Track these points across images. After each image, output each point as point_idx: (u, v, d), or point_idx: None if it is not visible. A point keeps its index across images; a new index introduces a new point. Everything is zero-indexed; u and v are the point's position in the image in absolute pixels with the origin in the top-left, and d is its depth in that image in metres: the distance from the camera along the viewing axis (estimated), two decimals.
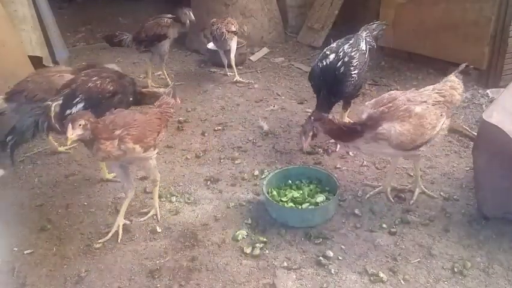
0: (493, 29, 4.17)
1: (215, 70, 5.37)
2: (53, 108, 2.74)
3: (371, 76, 4.98)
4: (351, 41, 3.45)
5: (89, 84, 2.95)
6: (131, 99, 3.20)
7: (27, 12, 5.14)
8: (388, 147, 2.52)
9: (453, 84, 2.73)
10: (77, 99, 2.88)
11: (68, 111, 2.80)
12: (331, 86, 3.26)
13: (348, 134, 2.57)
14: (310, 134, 2.63)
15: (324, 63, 3.33)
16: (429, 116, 2.53)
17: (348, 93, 3.35)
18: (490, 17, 4.14)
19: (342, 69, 3.26)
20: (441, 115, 2.59)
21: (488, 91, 4.32)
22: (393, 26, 5.17)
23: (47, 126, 2.73)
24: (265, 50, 5.94)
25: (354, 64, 3.29)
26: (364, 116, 2.60)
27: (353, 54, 3.33)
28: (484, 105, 4.12)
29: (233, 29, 4.79)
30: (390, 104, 2.56)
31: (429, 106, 2.56)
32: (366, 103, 2.73)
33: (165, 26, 4.63)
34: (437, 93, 2.66)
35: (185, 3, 6.56)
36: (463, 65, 2.87)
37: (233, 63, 4.94)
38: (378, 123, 2.49)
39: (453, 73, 2.82)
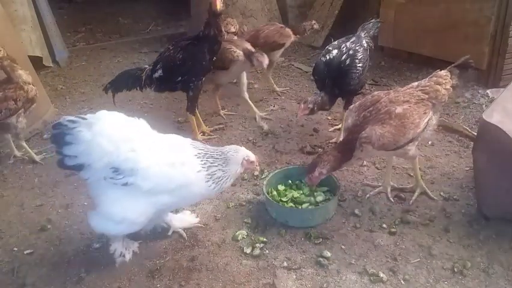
0: (493, 29, 4.17)
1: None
2: (145, 72, 3.54)
3: (371, 76, 4.98)
4: (352, 39, 3.47)
5: (166, 54, 3.54)
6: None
7: (27, 12, 5.15)
8: (374, 150, 2.54)
9: (438, 79, 2.71)
10: (158, 66, 3.51)
11: (154, 75, 3.51)
12: (336, 79, 3.26)
13: (346, 153, 2.58)
14: (310, 106, 2.66)
15: (328, 58, 3.35)
16: (410, 115, 2.53)
17: (353, 86, 3.34)
18: (490, 16, 4.14)
19: (347, 61, 3.29)
20: (424, 113, 2.59)
21: (488, 91, 4.33)
22: (393, 26, 5.18)
23: (141, 83, 3.55)
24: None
25: (359, 57, 3.33)
26: (350, 123, 2.65)
27: (357, 48, 3.38)
28: (484, 105, 4.12)
29: (232, 29, 4.79)
30: (371, 108, 2.60)
31: (411, 105, 2.56)
32: (350, 107, 2.75)
33: (286, 36, 4.35)
34: (420, 90, 2.66)
35: (185, 4, 6.58)
36: (463, 58, 2.82)
37: None
38: (363, 129, 2.52)
39: (450, 66, 2.80)
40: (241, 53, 3.69)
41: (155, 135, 2.37)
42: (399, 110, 2.53)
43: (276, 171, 3.01)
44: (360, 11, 6.05)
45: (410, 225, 2.66)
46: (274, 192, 2.90)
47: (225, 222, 2.77)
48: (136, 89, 3.63)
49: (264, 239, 2.59)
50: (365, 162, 3.34)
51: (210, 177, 2.28)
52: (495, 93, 4.18)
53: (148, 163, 2.17)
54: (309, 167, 2.64)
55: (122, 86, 3.60)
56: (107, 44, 6.58)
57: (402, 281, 2.29)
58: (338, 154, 2.57)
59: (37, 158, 3.51)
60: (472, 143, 3.26)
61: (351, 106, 2.76)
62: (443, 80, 2.70)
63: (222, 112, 4.23)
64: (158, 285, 2.33)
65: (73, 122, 2.15)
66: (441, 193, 2.94)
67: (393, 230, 2.62)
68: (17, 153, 3.56)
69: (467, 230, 2.62)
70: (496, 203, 2.61)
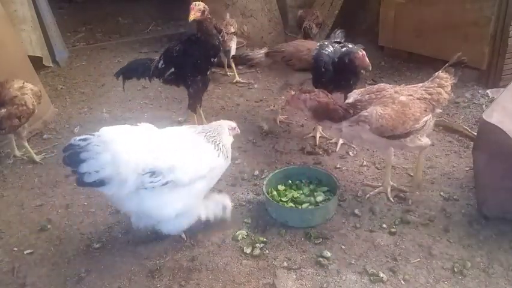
0: (493, 29, 4.18)
1: (215, 70, 5.36)
2: (154, 62, 3.65)
3: (370, 76, 4.98)
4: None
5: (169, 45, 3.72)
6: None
7: (27, 12, 5.15)
8: (368, 131, 2.56)
9: (441, 81, 2.73)
10: (161, 60, 3.60)
11: (159, 65, 3.60)
12: (343, 68, 3.17)
13: (337, 112, 2.61)
14: (302, 97, 2.66)
15: (330, 50, 3.31)
16: (413, 106, 2.58)
17: (356, 79, 3.30)
18: (489, 17, 4.14)
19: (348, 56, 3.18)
20: (425, 110, 2.62)
21: (488, 91, 4.33)
22: (393, 26, 5.18)
23: (150, 73, 3.65)
24: (265, 50, 5.93)
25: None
26: (352, 100, 2.68)
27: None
28: (484, 105, 4.12)
29: (232, 30, 4.80)
30: (377, 93, 2.66)
31: (414, 98, 2.62)
32: (355, 90, 2.80)
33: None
34: (424, 90, 2.70)
35: (185, 4, 6.58)
36: (455, 57, 2.82)
37: (233, 64, 4.94)
38: (365, 107, 2.58)
39: (444, 66, 2.81)
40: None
41: (165, 132, 2.46)
42: (403, 98, 2.59)
43: (276, 171, 3.01)
44: (360, 11, 6.06)
45: (410, 225, 2.67)
46: (274, 192, 2.90)
47: (225, 222, 2.77)
48: (145, 79, 3.75)
49: (264, 239, 2.59)
50: (364, 162, 3.34)
51: (219, 151, 2.46)
52: (495, 93, 4.18)
53: (182, 158, 2.30)
54: (302, 89, 2.72)
55: (132, 74, 3.73)
56: (107, 44, 6.57)
57: (402, 281, 2.29)
58: (330, 104, 2.60)
59: (37, 158, 3.51)
60: (472, 143, 3.27)
61: (356, 90, 2.81)
62: (445, 82, 2.72)
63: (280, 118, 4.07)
64: (158, 285, 2.33)
65: (84, 140, 2.17)
66: (442, 193, 2.94)
67: (393, 230, 2.62)
68: (17, 153, 3.56)
69: (467, 230, 2.62)
70: (496, 203, 2.61)
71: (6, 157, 3.59)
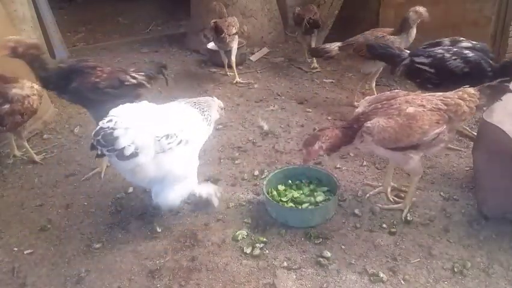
0: (493, 29, 4.18)
1: (215, 70, 5.38)
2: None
3: None
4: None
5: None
6: None
7: (27, 12, 5.14)
8: (372, 143, 2.47)
9: (463, 94, 2.50)
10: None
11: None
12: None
13: (348, 136, 2.52)
14: (316, 147, 2.51)
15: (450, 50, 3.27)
16: (420, 119, 2.40)
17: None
18: (490, 17, 4.14)
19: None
20: (437, 122, 2.43)
21: None
22: (393, 26, 5.17)
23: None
24: (265, 50, 5.94)
25: None
26: (359, 111, 2.61)
27: None
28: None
29: (234, 30, 4.80)
30: (384, 102, 2.54)
31: (425, 110, 2.43)
32: (366, 97, 2.74)
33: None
34: (440, 100, 2.49)
35: (185, 4, 6.58)
36: (498, 80, 2.55)
37: (233, 64, 4.95)
38: (368, 118, 2.48)
39: (482, 86, 2.54)
40: (394, 41, 3.78)
41: (163, 106, 2.75)
42: (410, 109, 2.43)
43: (276, 171, 3.01)
44: (360, 11, 6.06)
45: (410, 225, 2.67)
46: (274, 192, 2.90)
47: (224, 222, 2.77)
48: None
49: (264, 239, 2.59)
50: (364, 162, 3.35)
51: (207, 120, 2.80)
52: None
53: (187, 120, 2.66)
54: (309, 140, 2.55)
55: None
56: (107, 44, 6.58)
57: (402, 281, 2.29)
58: (339, 134, 2.51)
59: (37, 158, 3.52)
60: (472, 143, 3.27)
61: (367, 97, 2.73)
62: (469, 97, 2.48)
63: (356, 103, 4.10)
64: (158, 285, 2.33)
65: (110, 121, 2.37)
66: (442, 193, 2.94)
67: (393, 230, 2.62)
68: (17, 152, 3.57)
69: (467, 230, 2.62)
70: (496, 203, 2.61)
71: (6, 157, 3.59)
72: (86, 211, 2.93)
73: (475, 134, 3.31)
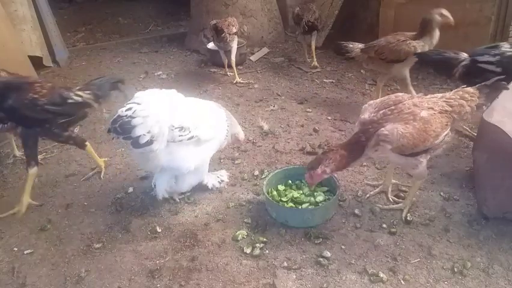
0: (493, 29, 4.18)
1: (215, 70, 5.38)
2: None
3: (371, 76, 4.99)
4: None
5: None
6: None
7: (27, 12, 5.15)
8: (389, 151, 2.40)
9: (464, 94, 2.49)
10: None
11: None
12: None
13: (355, 151, 2.44)
14: (319, 172, 2.47)
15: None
16: (434, 122, 2.38)
17: None
18: (490, 17, 4.15)
19: None
20: (446, 124, 2.43)
21: None
22: (393, 26, 5.17)
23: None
24: (265, 50, 5.94)
25: None
26: (367, 118, 2.49)
27: None
28: (483, 105, 4.12)
29: (234, 30, 4.80)
30: (393, 107, 2.44)
31: (435, 113, 2.41)
32: (370, 102, 2.60)
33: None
34: (445, 101, 2.47)
35: (185, 4, 6.58)
36: (495, 78, 2.57)
37: (233, 64, 4.95)
38: (381, 126, 2.38)
39: (480, 84, 2.56)
40: (416, 44, 3.70)
41: (189, 99, 2.83)
42: (424, 113, 2.38)
43: (276, 171, 3.01)
44: (360, 11, 6.06)
45: (410, 225, 2.67)
46: (274, 192, 2.90)
47: (224, 223, 2.77)
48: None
49: (264, 239, 2.59)
50: (365, 162, 3.34)
51: (227, 129, 2.92)
52: None
53: (205, 116, 2.73)
54: (312, 163, 2.51)
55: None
56: (107, 44, 6.58)
57: (402, 281, 2.29)
58: (345, 153, 2.42)
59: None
60: (472, 143, 3.27)
61: (371, 101, 2.62)
62: (470, 96, 2.48)
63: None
64: (158, 285, 2.33)
65: (129, 109, 2.44)
66: (442, 193, 2.94)
67: (393, 230, 2.62)
68: (17, 153, 3.57)
69: (467, 230, 2.62)
70: (496, 203, 2.61)
71: (6, 157, 3.59)
72: (86, 211, 2.93)
73: (475, 134, 3.31)
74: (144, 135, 2.44)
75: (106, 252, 2.56)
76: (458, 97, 2.47)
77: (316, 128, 3.89)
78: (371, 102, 2.61)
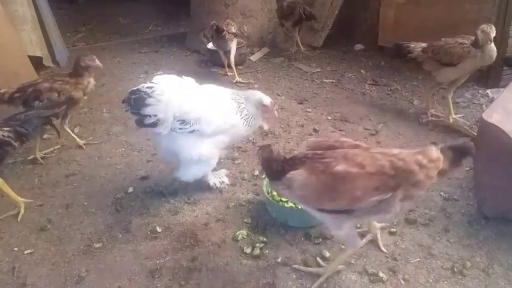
0: None
1: (215, 70, 5.38)
2: None
3: (371, 76, 4.99)
4: None
5: None
6: None
7: (28, 12, 5.15)
8: (298, 198, 2.12)
9: (422, 159, 1.97)
10: None
11: None
12: None
13: (275, 170, 2.14)
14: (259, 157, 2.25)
15: None
16: (350, 181, 1.94)
17: None
18: (489, 17, 4.15)
19: None
20: (375, 189, 1.94)
21: (488, 91, 4.33)
22: (393, 26, 5.18)
23: None
24: (265, 50, 5.95)
25: None
26: (298, 151, 2.24)
27: None
28: (484, 105, 4.13)
29: (233, 30, 4.81)
30: (322, 152, 2.09)
31: (360, 173, 1.94)
32: (311, 139, 2.31)
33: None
34: (390, 161, 1.96)
35: (185, 4, 6.59)
36: (463, 141, 2.25)
37: (233, 64, 4.95)
38: (295, 167, 2.07)
39: (445, 145, 2.09)
40: (473, 50, 3.45)
41: (203, 88, 2.86)
42: (339, 168, 1.96)
43: None
44: (360, 11, 6.06)
45: (410, 225, 2.66)
46: (274, 192, 2.90)
47: (224, 222, 2.77)
48: None
49: (264, 239, 2.59)
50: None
51: (242, 116, 2.77)
52: (495, 93, 4.18)
53: (208, 112, 2.68)
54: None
55: None
56: (107, 44, 6.58)
57: (402, 281, 2.29)
58: (273, 162, 2.15)
59: (81, 142, 3.67)
60: (472, 142, 3.27)
61: (311, 139, 2.30)
62: (429, 163, 1.97)
63: (452, 117, 3.83)
64: (159, 285, 2.33)
65: (150, 87, 2.57)
66: (442, 193, 2.94)
67: (393, 230, 2.62)
68: (38, 155, 3.52)
69: (467, 229, 2.62)
70: (496, 203, 2.61)
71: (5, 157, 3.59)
72: (86, 211, 2.93)
73: (475, 134, 3.31)
74: (150, 116, 2.55)
75: (106, 252, 2.56)
76: (413, 161, 1.97)
77: (316, 128, 3.89)
78: (311, 139, 2.31)
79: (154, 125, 2.59)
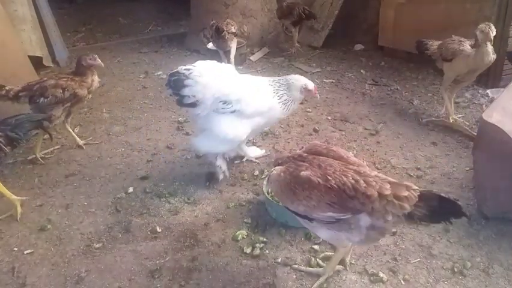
0: None
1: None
2: None
3: (371, 76, 4.99)
4: None
5: None
6: None
7: (27, 12, 5.15)
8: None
9: (385, 191, 1.85)
10: None
11: None
12: None
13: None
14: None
15: None
16: (308, 190, 1.96)
17: None
18: (489, 17, 4.14)
19: None
20: (330, 205, 1.91)
21: (488, 91, 4.33)
22: (393, 25, 5.18)
23: None
24: (265, 50, 5.94)
25: None
26: (300, 151, 2.30)
27: None
28: (484, 105, 4.13)
29: (233, 30, 4.80)
30: (309, 156, 2.13)
31: (321, 184, 1.94)
32: (313, 142, 2.34)
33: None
34: (356, 181, 1.91)
35: (185, 4, 6.58)
36: (452, 197, 1.93)
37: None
38: (282, 164, 2.17)
39: (431, 193, 1.91)
40: (467, 48, 3.46)
41: (241, 76, 3.08)
42: (303, 173, 2.00)
43: None
44: (360, 11, 6.06)
45: (410, 225, 2.66)
46: None
47: (224, 223, 2.77)
48: None
49: (264, 239, 2.59)
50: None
51: (280, 100, 2.90)
52: (495, 93, 4.18)
53: (248, 94, 2.86)
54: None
55: None
56: (107, 44, 6.58)
57: (402, 281, 2.29)
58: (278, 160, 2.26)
59: (81, 142, 3.67)
60: (472, 143, 3.27)
61: (314, 142, 2.34)
62: (394, 198, 1.85)
63: (452, 117, 3.83)
64: (158, 285, 2.33)
65: (188, 69, 2.81)
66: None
67: (393, 230, 2.62)
68: (38, 155, 3.51)
69: (467, 230, 2.62)
70: (496, 203, 2.61)
71: (5, 157, 3.58)
72: (86, 211, 2.93)
73: (475, 133, 3.31)
74: (189, 97, 2.78)
75: (106, 252, 2.56)
76: (377, 187, 1.88)
77: (317, 128, 3.89)
78: (314, 142, 2.33)
79: (193, 105, 2.82)
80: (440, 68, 3.88)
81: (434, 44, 3.91)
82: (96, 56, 3.50)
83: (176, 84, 2.79)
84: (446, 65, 3.70)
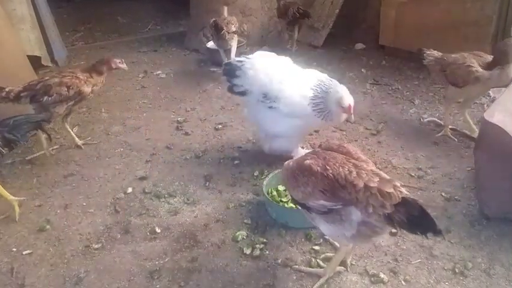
0: (494, 29, 4.16)
1: (215, 69, 5.34)
2: None
3: (371, 75, 4.97)
4: None
5: None
6: None
7: (26, 11, 5.12)
8: None
9: (372, 179, 1.91)
10: None
11: None
12: None
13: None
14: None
15: None
16: (307, 176, 2.06)
17: None
18: (491, 16, 4.13)
19: None
20: (322, 192, 2.00)
21: (489, 91, 4.31)
22: (394, 25, 5.16)
23: None
24: (265, 49, 5.92)
25: None
26: (324, 142, 2.38)
27: None
28: (485, 105, 4.11)
29: (233, 28, 4.78)
30: (318, 149, 2.28)
31: (318, 171, 2.03)
32: (331, 141, 2.48)
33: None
34: (349, 172, 1.97)
35: (184, 3, 6.56)
36: (430, 216, 1.82)
37: None
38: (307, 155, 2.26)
39: (412, 199, 1.85)
40: (481, 75, 3.15)
41: (298, 70, 3.10)
42: (307, 162, 2.10)
43: (276, 172, 2.99)
44: (360, 11, 6.04)
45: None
46: (274, 193, 2.89)
47: (224, 223, 2.75)
48: None
49: (264, 240, 2.58)
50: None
51: (316, 108, 2.86)
52: (496, 93, 4.16)
53: (289, 93, 2.91)
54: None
55: None
56: (106, 43, 6.55)
57: (403, 282, 2.28)
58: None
59: (79, 142, 3.64)
60: (474, 143, 3.25)
61: (331, 141, 2.49)
62: (380, 196, 1.85)
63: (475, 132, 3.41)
64: (158, 286, 2.32)
65: (240, 61, 3.06)
66: (443, 193, 2.93)
67: (394, 230, 2.60)
68: (47, 151, 3.51)
69: (469, 230, 2.61)
70: (498, 203, 2.60)
71: (5, 157, 3.57)
72: (85, 211, 2.92)
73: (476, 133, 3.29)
74: (238, 86, 3.05)
75: (105, 253, 2.55)
76: (364, 178, 1.92)
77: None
78: (331, 141, 2.50)
79: (243, 94, 3.07)
80: (434, 78, 3.69)
81: (431, 55, 3.64)
82: (123, 59, 3.60)
83: (229, 73, 3.07)
84: (455, 90, 3.38)
